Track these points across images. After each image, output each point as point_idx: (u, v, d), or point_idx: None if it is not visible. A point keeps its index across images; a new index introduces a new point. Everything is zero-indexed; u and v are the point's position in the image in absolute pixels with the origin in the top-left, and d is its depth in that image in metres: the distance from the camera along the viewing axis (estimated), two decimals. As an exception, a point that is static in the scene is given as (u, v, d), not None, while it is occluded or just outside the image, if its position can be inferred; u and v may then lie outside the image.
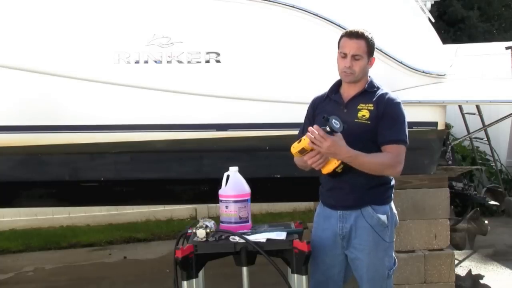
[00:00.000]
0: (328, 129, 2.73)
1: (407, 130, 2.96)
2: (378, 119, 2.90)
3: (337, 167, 2.84)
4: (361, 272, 3.01)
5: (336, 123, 2.73)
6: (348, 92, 3.00)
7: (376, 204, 2.97)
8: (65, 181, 4.38)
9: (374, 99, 2.93)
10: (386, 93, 2.97)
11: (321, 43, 4.10)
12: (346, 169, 2.84)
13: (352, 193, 2.94)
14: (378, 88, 2.99)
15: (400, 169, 2.91)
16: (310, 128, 2.76)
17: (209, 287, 3.02)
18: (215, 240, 2.88)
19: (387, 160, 2.88)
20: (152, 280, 5.48)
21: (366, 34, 2.94)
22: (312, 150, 2.79)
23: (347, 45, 2.91)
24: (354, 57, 2.89)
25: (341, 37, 2.97)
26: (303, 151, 2.82)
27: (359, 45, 2.90)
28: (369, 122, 2.90)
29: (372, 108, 2.91)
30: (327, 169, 2.85)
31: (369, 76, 3.02)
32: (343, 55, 2.92)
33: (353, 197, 2.94)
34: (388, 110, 2.91)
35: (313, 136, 2.72)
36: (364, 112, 2.91)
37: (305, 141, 2.78)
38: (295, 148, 2.84)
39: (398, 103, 2.96)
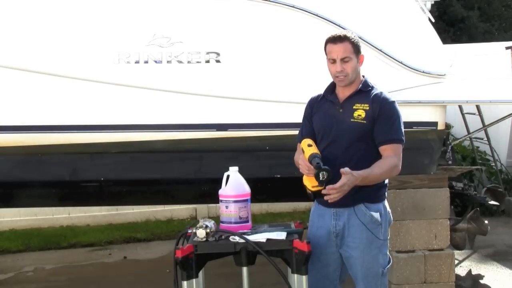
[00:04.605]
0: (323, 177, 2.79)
1: (403, 128, 3.02)
2: (374, 119, 2.94)
3: None
4: (355, 270, 3.04)
5: (325, 174, 2.78)
6: (343, 92, 3.03)
7: (369, 202, 2.99)
8: (65, 181, 4.39)
9: (369, 98, 2.97)
10: (381, 93, 3.01)
11: (321, 43, 4.08)
12: None
13: None
14: (372, 87, 3.03)
15: (401, 167, 2.98)
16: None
17: (209, 287, 3.02)
18: (215, 240, 2.88)
19: (392, 162, 2.93)
20: (152, 280, 5.47)
21: (348, 35, 2.98)
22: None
23: (334, 50, 2.95)
24: (344, 60, 2.93)
25: (326, 43, 3.00)
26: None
27: (345, 47, 2.93)
28: (365, 121, 2.95)
29: (367, 108, 2.96)
30: None
31: (363, 76, 3.06)
32: (332, 61, 2.97)
33: (346, 194, 2.93)
34: (384, 110, 2.95)
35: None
36: (360, 111, 2.96)
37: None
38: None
39: (393, 102, 3.01)
